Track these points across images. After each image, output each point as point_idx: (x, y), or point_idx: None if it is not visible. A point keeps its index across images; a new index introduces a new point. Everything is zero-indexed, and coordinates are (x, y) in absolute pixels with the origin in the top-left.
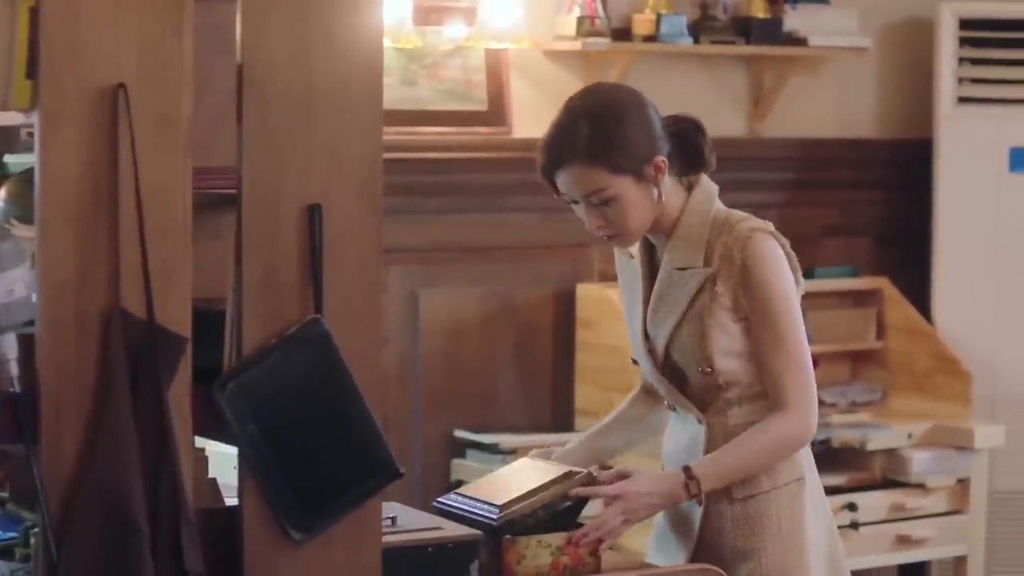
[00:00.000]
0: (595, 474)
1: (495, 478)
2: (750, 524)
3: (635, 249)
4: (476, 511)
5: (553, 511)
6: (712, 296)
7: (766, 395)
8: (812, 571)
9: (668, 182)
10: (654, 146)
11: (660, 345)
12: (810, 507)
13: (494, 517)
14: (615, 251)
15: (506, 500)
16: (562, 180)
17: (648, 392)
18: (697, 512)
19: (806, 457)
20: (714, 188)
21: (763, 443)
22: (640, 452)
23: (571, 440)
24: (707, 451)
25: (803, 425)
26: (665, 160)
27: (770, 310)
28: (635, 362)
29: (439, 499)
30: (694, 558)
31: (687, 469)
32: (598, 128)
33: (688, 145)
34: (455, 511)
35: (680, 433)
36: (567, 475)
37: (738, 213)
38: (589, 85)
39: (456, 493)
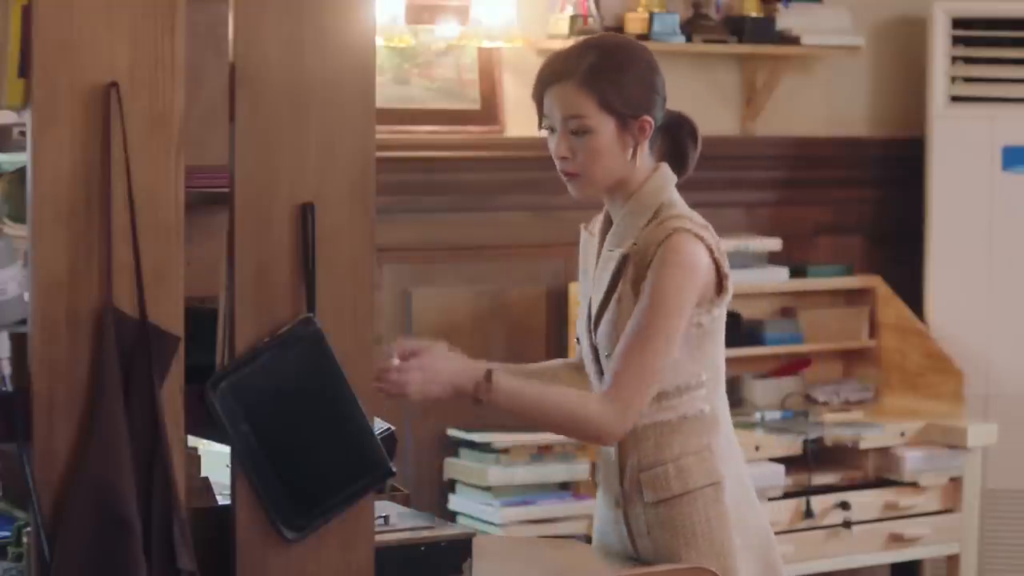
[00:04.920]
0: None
1: None
2: (669, 527)
3: (597, 227)
4: None
5: None
6: (624, 280)
7: (675, 394)
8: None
9: (646, 155)
10: (648, 107)
11: (593, 324)
12: (733, 512)
13: None
14: (581, 229)
15: None
16: (549, 99)
17: (578, 369)
18: (620, 517)
19: (729, 458)
20: (672, 177)
21: (566, 408)
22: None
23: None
24: (620, 454)
25: (610, 424)
26: (652, 123)
27: (652, 301)
28: (578, 340)
29: None
30: (638, 559)
31: (489, 373)
32: (605, 61)
33: (670, 141)
34: None
35: None
36: None
37: (677, 209)
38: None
39: None
